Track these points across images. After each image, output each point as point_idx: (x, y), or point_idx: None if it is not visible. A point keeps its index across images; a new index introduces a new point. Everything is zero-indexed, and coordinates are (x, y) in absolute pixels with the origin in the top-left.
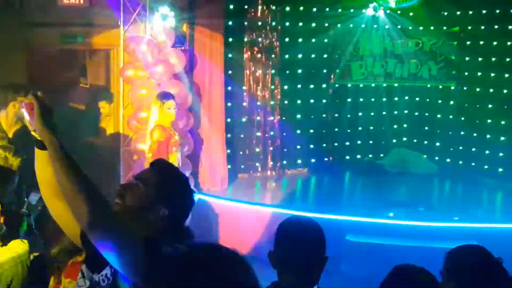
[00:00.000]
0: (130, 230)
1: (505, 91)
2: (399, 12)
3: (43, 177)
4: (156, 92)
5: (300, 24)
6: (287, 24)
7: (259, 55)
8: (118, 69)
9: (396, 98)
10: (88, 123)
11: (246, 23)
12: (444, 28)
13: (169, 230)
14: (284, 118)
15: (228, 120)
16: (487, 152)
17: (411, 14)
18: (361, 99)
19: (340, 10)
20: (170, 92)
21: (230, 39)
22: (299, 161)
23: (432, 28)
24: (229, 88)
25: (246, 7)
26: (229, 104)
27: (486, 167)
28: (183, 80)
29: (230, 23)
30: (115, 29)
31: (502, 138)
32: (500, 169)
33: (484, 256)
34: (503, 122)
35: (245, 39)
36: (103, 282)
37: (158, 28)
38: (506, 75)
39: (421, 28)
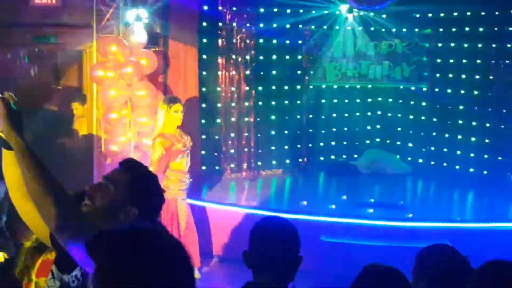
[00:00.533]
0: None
1: (476, 92)
2: (372, 14)
3: (10, 177)
4: (126, 93)
5: (275, 25)
6: (262, 25)
7: (234, 56)
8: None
9: (369, 99)
10: (62, 125)
11: (220, 24)
12: (416, 30)
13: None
14: (258, 119)
15: (203, 121)
16: (458, 152)
17: (384, 16)
18: (335, 100)
19: (314, 12)
20: (177, 96)
21: (205, 40)
22: (274, 162)
23: (404, 30)
24: (204, 89)
25: (220, 8)
26: (203, 105)
27: (457, 167)
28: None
29: (204, 24)
30: (87, 30)
31: (473, 139)
32: (471, 169)
33: (453, 255)
34: (474, 123)
35: (220, 41)
36: (73, 283)
37: (131, 29)
38: (477, 77)
39: (394, 30)
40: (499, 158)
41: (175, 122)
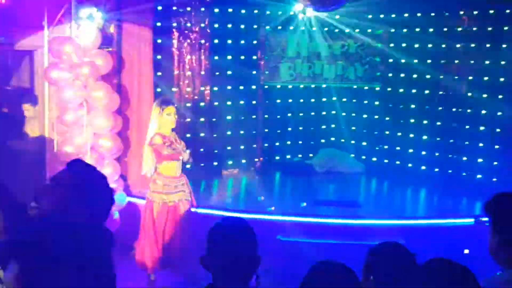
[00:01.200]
0: None
1: (426, 91)
2: (326, 14)
3: None
4: (82, 93)
5: (229, 25)
6: (216, 25)
7: (189, 57)
8: (42, 70)
9: (324, 99)
10: (12, 126)
11: (175, 24)
12: (369, 30)
13: None
14: (214, 119)
15: None
16: (410, 151)
17: (337, 16)
18: (290, 100)
19: (268, 12)
20: (169, 98)
21: (159, 40)
22: (230, 162)
23: (357, 30)
24: (159, 89)
25: (174, 8)
26: None
27: (410, 165)
28: (111, 82)
29: (158, 24)
30: (39, 30)
31: (425, 137)
32: (423, 167)
33: (401, 253)
34: (425, 122)
35: (174, 41)
36: None
37: (84, 29)
38: (427, 76)
39: (347, 30)
40: (450, 156)
41: (168, 125)
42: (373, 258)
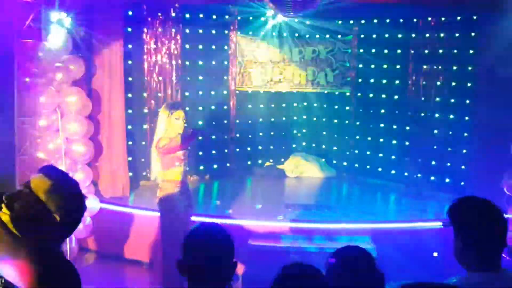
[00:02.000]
0: (20, 240)
1: (396, 96)
2: (296, 20)
3: None
4: (56, 99)
5: (200, 31)
6: (188, 31)
7: (160, 62)
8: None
9: (295, 104)
10: None
11: (146, 29)
12: (339, 36)
13: (60, 237)
14: (186, 124)
15: (129, 127)
16: (380, 155)
17: (307, 22)
18: (262, 105)
19: (239, 17)
20: (179, 102)
21: (130, 46)
22: (201, 167)
23: (327, 36)
24: (130, 95)
25: (145, 13)
26: (129, 111)
27: (379, 169)
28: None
29: (129, 29)
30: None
31: (394, 142)
32: (393, 171)
33: (360, 256)
34: (394, 127)
35: (145, 46)
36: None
37: (54, 34)
38: (397, 82)
39: (317, 36)
40: (419, 160)
41: (176, 129)
42: (333, 261)
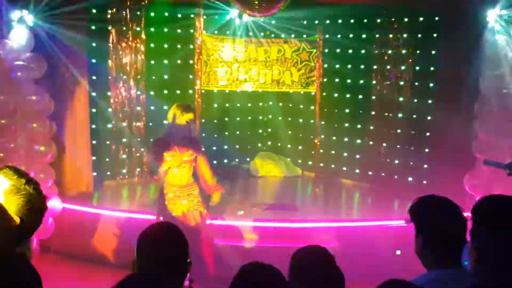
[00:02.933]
0: None
1: (360, 96)
2: (262, 19)
3: None
4: (16, 98)
5: (165, 30)
6: (152, 29)
7: (124, 61)
8: None
9: (260, 103)
10: None
11: (110, 27)
12: (304, 36)
13: (19, 239)
14: (150, 123)
15: (93, 126)
16: (345, 154)
17: (273, 22)
18: (227, 105)
19: (205, 16)
20: (191, 105)
21: (94, 44)
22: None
23: (293, 36)
24: (94, 94)
25: (109, 11)
26: (93, 110)
27: (344, 168)
28: (45, 86)
29: (93, 27)
30: None
31: (358, 141)
32: (357, 170)
33: (321, 255)
34: (359, 126)
35: (109, 44)
36: None
37: (15, 32)
38: (361, 81)
39: (283, 35)
40: (382, 159)
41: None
42: (294, 261)
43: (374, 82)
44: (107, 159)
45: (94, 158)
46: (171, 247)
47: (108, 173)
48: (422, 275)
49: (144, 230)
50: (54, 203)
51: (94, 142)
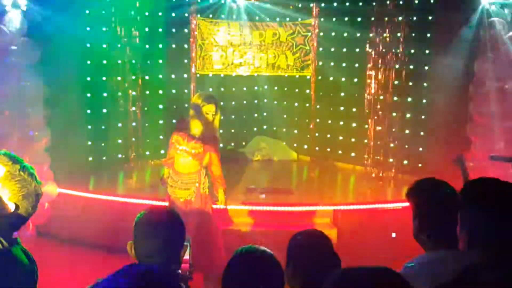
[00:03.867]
0: None
1: (355, 80)
2: (256, 3)
3: None
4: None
5: (160, 14)
6: (147, 13)
7: (119, 45)
8: None
9: (255, 87)
10: None
11: (103, 12)
12: (299, 19)
13: (14, 226)
14: (146, 108)
15: (88, 111)
16: (340, 138)
17: (268, 6)
18: (222, 89)
19: (199, 0)
20: (213, 96)
21: (88, 28)
22: (162, 152)
23: (288, 19)
24: (88, 78)
25: None
26: (88, 95)
27: (340, 152)
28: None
29: (88, 11)
30: None
31: (354, 125)
32: (353, 154)
33: (318, 240)
34: (354, 110)
35: (105, 29)
36: None
37: (9, 16)
38: (356, 65)
39: (277, 19)
40: (378, 142)
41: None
42: (291, 245)
43: (369, 65)
44: (103, 144)
45: (89, 143)
46: (167, 230)
47: (104, 157)
48: (420, 256)
49: (140, 214)
50: (50, 188)
51: (89, 126)
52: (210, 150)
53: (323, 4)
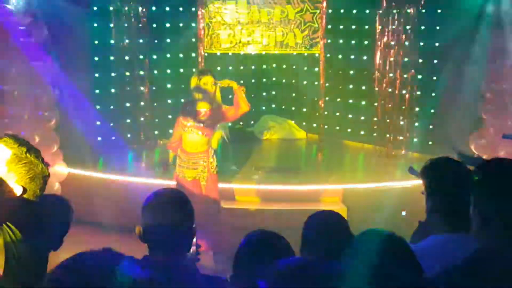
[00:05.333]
0: None
1: (364, 57)
2: None
3: None
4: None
5: None
6: None
7: (126, 24)
8: None
9: (264, 66)
10: None
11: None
12: None
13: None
14: (154, 88)
15: (97, 91)
16: (350, 116)
17: None
18: (230, 68)
19: None
20: (208, 68)
21: (95, 8)
22: (171, 131)
23: None
24: (96, 58)
25: None
26: (96, 75)
27: (349, 130)
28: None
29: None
30: None
31: (363, 103)
32: (362, 132)
33: (334, 221)
34: (363, 87)
35: (111, 8)
36: None
37: None
38: (366, 42)
39: None
40: (388, 120)
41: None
42: (307, 227)
43: (378, 42)
44: (111, 124)
45: (98, 123)
46: (176, 214)
47: (113, 137)
48: (429, 238)
49: (150, 195)
50: (60, 169)
51: (98, 107)
52: (218, 117)
53: None
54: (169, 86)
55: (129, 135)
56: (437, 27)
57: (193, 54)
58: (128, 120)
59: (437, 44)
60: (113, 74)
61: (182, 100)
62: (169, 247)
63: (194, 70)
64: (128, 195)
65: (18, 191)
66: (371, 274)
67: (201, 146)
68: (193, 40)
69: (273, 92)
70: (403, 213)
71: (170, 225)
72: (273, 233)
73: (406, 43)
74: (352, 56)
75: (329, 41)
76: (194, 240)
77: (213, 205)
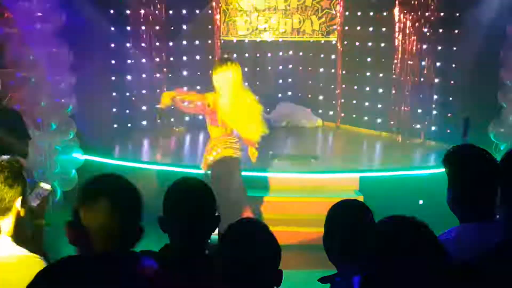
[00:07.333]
0: None
1: (382, 44)
2: None
3: None
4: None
5: None
6: None
7: (143, 11)
8: None
9: (280, 53)
10: None
11: None
12: None
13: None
14: (170, 75)
15: (113, 78)
16: (366, 104)
17: None
18: (247, 55)
19: None
20: (228, 57)
21: None
22: (187, 118)
23: None
24: (113, 45)
25: None
26: (113, 61)
27: (366, 118)
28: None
29: None
30: None
31: (380, 90)
32: (379, 120)
33: (357, 210)
34: (381, 75)
35: None
36: None
37: None
38: (383, 29)
39: None
40: (406, 109)
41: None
42: (330, 215)
43: (396, 29)
44: (127, 111)
45: (114, 110)
46: (199, 203)
47: (129, 124)
48: (453, 229)
49: (172, 184)
50: (76, 155)
51: (114, 94)
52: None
53: None
54: (185, 73)
55: (144, 122)
56: (457, 14)
57: (209, 41)
58: (144, 107)
59: (456, 31)
60: (129, 61)
61: (198, 87)
62: (190, 236)
63: (210, 57)
64: (144, 182)
65: None
66: (396, 259)
67: (218, 132)
68: (209, 27)
69: (289, 80)
70: (421, 201)
71: (191, 214)
72: (254, 220)
73: (425, 30)
74: (370, 44)
75: (346, 28)
76: (217, 230)
77: (235, 189)
